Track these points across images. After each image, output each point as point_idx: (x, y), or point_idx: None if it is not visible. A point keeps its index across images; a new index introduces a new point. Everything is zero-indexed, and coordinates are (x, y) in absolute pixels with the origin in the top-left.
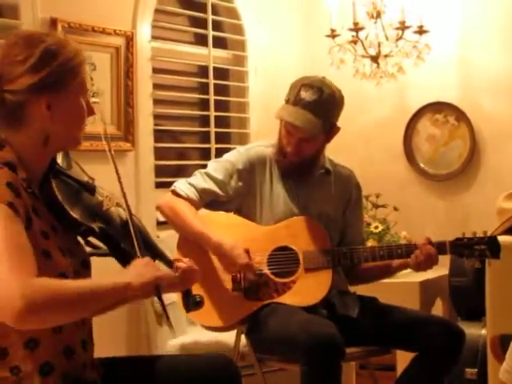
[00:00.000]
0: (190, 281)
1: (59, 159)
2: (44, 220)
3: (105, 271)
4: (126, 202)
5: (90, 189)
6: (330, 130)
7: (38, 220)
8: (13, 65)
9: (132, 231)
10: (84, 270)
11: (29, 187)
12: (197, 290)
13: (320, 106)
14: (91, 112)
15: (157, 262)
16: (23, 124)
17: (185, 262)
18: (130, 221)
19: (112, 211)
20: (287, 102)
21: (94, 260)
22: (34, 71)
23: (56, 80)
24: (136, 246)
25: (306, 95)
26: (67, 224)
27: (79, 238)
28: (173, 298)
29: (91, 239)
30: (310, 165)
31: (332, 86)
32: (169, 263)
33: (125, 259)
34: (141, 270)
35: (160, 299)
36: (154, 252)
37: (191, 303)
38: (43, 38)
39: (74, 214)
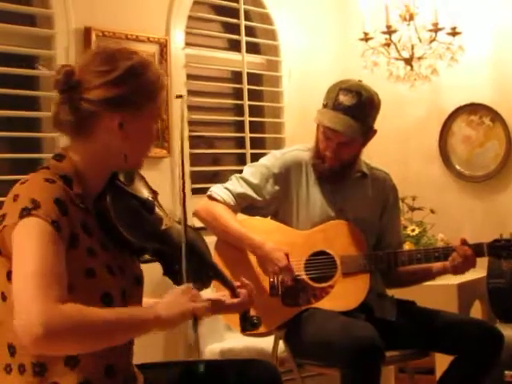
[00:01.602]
0: (248, 304)
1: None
2: (94, 237)
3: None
4: (185, 225)
5: (149, 207)
6: (367, 133)
7: (87, 237)
8: (94, 74)
9: (183, 254)
10: (135, 286)
11: (82, 202)
12: None
13: (359, 110)
14: (157, 137)
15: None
16: (90, 136)
17: (245, 286)
18: (183, 244)
19: (171, 230)
20: (325, 106)
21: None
22: (112, 85)
23: (133, 100)
24: (184, 270)
25: (344, 99)
26: (119, 242)
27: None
28: None
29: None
30: (348, 169)
31: (370, 89)
32: (232, 288)
33: (177, 279)
34: (174, 300)
35: (195, 330)
36: (217, 276)
37: (249, 325)
38: (129, 56)
39: (127, 234)
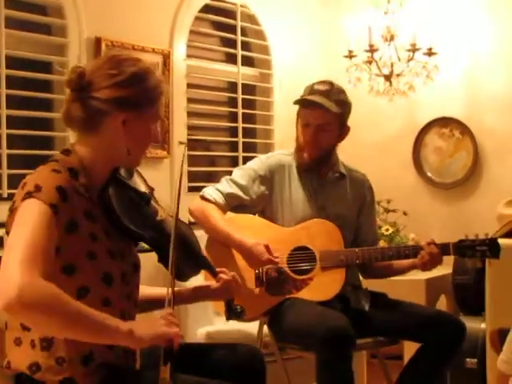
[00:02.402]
0: (231, 292)
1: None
2: (98, 224)
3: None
4: (177, 215)
5: (146, 199)
6: (343, 126)
7: (91, 224)
8: (103, 77)
9: (172, 245)
10: (134, 272)
11: (87, 192)
12: None
13: (332, 93)
14: (156, 140)
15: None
16: (97, 132)
17: (227, 274)
18: (173, 233)
19: (165, 222)
20: (302, 96)
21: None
22: (119, 87)
23: (136, 102)
24: (170, 257)
25: (319, 86)
26: (120, 230)
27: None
28: None
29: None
30: (324, 163)
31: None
32: (214, 273)
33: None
34: (151, 322)
35: (169, 360)
36: (202, 263)
37: (232, 313)
38: (135, 63)
39: (126, 222)
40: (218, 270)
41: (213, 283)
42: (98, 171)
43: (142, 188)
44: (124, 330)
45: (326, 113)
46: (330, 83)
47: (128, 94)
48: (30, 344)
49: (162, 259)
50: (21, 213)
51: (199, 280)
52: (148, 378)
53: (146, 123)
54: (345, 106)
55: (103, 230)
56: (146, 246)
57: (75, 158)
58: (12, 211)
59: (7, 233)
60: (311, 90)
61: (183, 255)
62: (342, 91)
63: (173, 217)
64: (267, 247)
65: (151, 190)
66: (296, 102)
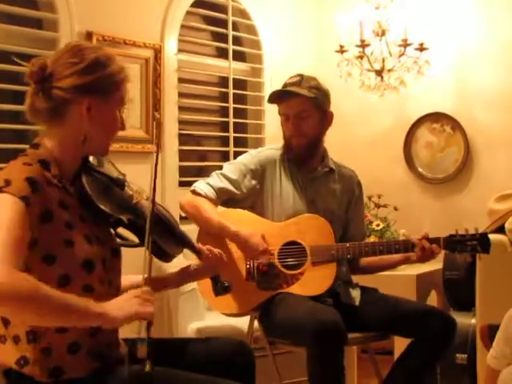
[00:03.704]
0: (216, 267)
1: (91, 158)
2: (72, 212)
3: (134, 261)
4: (153, 195)
5: (120, 184)
6: (323, 112)
7: (65, 212)
8: (64, 66)
9: (148, 224)
10: (114, 258)
11: (60, 182)
12: None
13: (303, 82)
14: (123, 127)
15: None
16: (64, 120)
17: (212, 250)
18: (149, 213)
19: (142, 204)
20: None
21: (124, 251)
22: (81, 74)
23: (100, 87)
24: (146, 237)
25: (290, 80)
26: (97, 215)
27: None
28: (193, 285)
29: (121, 232)
30: (313, 152)
31: (313, 76)
32: (197, 252)
33: (153, 249)
34: (124, 302)
35: (148, 337)
36: (182, 241)
37: (220, 288)
38: (95, 50)
39: (102, 206)
40: (202, 246)
41: (195, 262)
42: (68, 161)
43: (115, 174)
44: (96, 311)
45: (299, 99)
46: (300, 75)
47: (90, 80)
48: (13, 340)
49: (142, 241)
50: None
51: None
52: (158, 373)
53: (112, 108)
54: (318, 90)
55: (79, 217)
56: (127, 241)
57: (44, 150)
58: None
59: None
60: (283, 85)
61: (163, 234)
62: (312, 79)
63: (148, 199)
64: (263, 237)
65: (123, 175)
66: (269, 99)
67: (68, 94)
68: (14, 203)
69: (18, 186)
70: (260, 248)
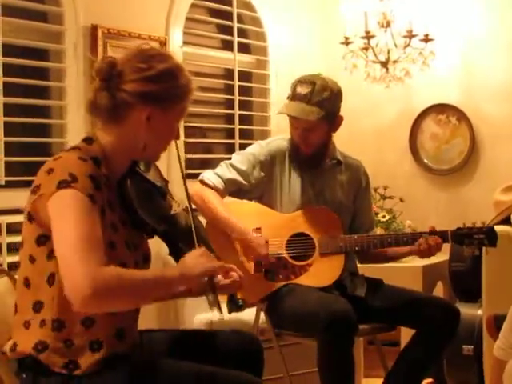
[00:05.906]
0: (237, 287)
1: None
2: (116, 214)
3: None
4: (191, 207)
5: (162, 193)
6: (332, 120)
7: (111, 213)
8: (132, 69)
9: (194, 234)
10: (144, 263)
11: (108, 182)
12: None
13: (313, 96)
14: (178, 137)
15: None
16: (121, 123)
17: (237, 271)
18: (193, 225)
19: (179, 215)
20: (287, 98)
21: None
22: (148, 82)
23: (164, 97)
24: (196, 246)
25: (300, 89)
26: (135, 221)
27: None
28: None
29: None
30: (321, 155)
31: (326, 78)
32: (226, 272)
33: (178, 257)
34: (195, 260)
35: (213, 291)
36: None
37: (234, 306)
38: (165, 59)
39: (142, 214)
40: (228, 266)
41: (221, 278)
42: (117, 161)
43: (159, 181)
44: (177, 275)
45: (307, 120)
46: (312, 82)
47: (156, 90)
48: (39, 324)
49: (173, 252)
50: (60, 205)
51: None
52: (167, 365)
53: (170, 120)
54: (329, 103)
55: (120, 219)
56: None
57: (97, 147)
58: (41, 196)
59: (29, 214)
60: (293, 92)
61: (194, 247)
62: (324, 88)
63: (185, 210)
64: (267, 243)
65: (166, 182)
66: (278, 112)
67: (131, 99)
68: (82, 200)
69: (84, 183)
70: (262, 252)
